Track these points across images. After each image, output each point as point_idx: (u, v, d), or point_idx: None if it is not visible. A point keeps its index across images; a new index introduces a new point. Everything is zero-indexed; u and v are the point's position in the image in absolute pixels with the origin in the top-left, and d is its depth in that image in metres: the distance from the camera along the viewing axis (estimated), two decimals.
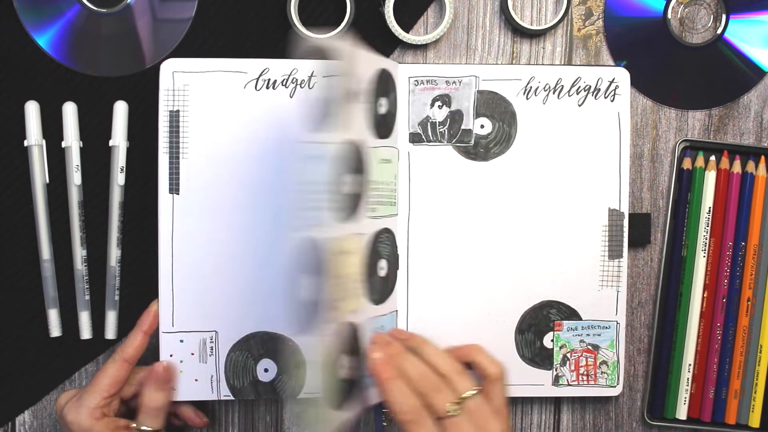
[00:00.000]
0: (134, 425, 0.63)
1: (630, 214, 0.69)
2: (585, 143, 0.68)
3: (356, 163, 0.60)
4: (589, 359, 0.69)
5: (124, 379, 0.64)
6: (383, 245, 0.67)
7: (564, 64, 0.72)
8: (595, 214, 0.69)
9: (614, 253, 0.69)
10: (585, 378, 0.69)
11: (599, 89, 0.68)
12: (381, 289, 0.67)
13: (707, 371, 0.72)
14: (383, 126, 0.66)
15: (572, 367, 0.69)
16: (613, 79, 0.68)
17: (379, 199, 0.66)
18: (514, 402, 0.74)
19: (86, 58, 0.69)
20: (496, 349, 0.69)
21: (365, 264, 0.63)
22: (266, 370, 0.68)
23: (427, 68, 0.68)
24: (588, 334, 0.69)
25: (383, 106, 0.65)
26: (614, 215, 0.69)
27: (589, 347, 0.69)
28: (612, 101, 0.68)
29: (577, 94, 0.68)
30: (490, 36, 0.72)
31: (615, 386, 0.69)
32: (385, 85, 0.66)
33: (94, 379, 0.64)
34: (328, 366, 0.58)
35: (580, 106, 0.68)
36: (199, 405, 0.70)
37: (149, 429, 0.63)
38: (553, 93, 0.68)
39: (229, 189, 0.67)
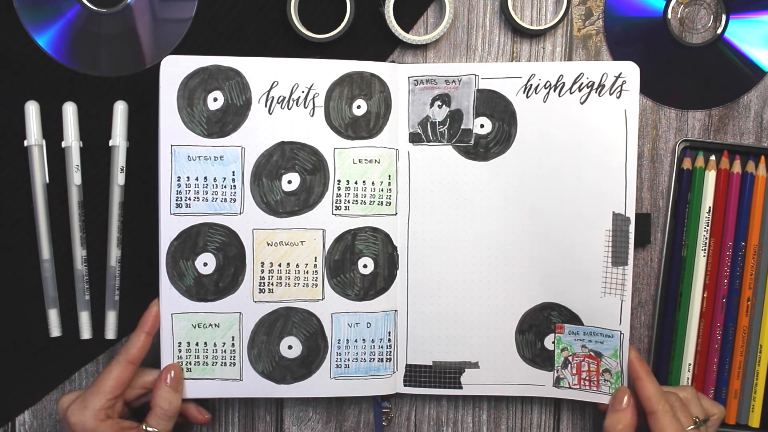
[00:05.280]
0: (143, 426, 0.63)
1: None
2: (588, 143, 0.66)
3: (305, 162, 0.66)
4: (591, 365, 0.68)
5: (128, 380, 0.64)
6: (366, 243, 0.67)
7: None
8: (598, 217, 0.67)
9: (618, 260, 0.67)
10: (587, 383, 0.68)
11: (604, 85, 0.66)
12: (363, 286, 0.67)
13: (707, 371, 0.72)
14: (361, 127, 0.66)
15: (574, 371, 0.69)
16: (620, 74, 0.66)
17: (355, 198, 0.66)
18: (514, 401, 0.74)
19: (86, 58, 0.69)
20: (497, 348, 0.69)
21: (332, 259, 0.67)
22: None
23: (426, 67, 0.68)
24: (590, 340, 0.68)
25: (361, 108, 0.66)
26: (619, 220, 0.67)
27: (592, 353, 0.68)
28: (618, 98, 0.66)
29: (580, 91, 0.66)
30: (490, 36, 0.72)
31: None
32: (360, 86, 0.66)
33: (97, 380, 0.63)
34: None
35: (582, 103, 0.66)
36: (201, 402, 0.70)
37: (156, 430, 0.63)
38: (554, 90, 0.67)
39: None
